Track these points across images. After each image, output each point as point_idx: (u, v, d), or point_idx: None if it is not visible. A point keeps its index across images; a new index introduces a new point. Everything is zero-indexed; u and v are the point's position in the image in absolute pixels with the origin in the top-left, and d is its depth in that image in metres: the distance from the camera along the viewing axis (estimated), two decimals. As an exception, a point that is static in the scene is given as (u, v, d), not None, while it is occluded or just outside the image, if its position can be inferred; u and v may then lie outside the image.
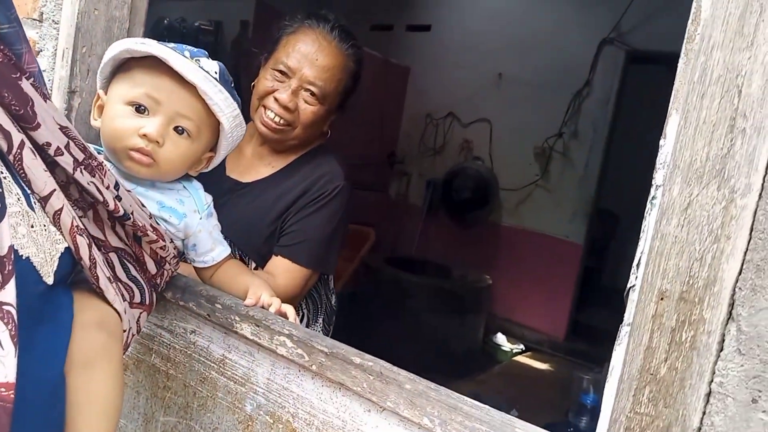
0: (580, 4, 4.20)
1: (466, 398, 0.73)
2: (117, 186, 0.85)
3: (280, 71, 1.29)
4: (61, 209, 0.73)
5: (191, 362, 1.04)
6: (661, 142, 0.61)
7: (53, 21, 1.17)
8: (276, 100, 1.28)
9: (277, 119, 1.29)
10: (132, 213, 0.87)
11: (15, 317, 0.57)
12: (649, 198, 0.61)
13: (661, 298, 0.51)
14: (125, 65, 0.93)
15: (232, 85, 0.98)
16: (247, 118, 1.13)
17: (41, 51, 1.19)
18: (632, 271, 0.62)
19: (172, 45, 0.92)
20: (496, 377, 3.70)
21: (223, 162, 1.35)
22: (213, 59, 0.96)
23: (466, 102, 4.72)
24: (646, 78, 4.62)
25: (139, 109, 0.90)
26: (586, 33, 4.15)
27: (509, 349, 4.11)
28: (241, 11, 4.03)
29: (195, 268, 1.08)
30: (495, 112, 4.55)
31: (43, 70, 1.17)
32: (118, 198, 0.84)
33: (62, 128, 0.74)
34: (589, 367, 3.99)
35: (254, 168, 1.40)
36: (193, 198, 1.02)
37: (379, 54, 4.86)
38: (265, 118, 1.30)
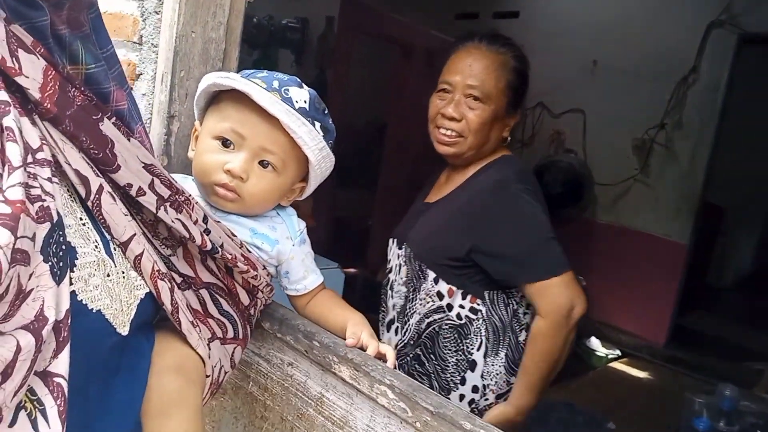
0: (689, -16, 3.87)
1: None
2: (206, 219, 0.83)
3: (443, 90, 1.38)
4: (141, 254, 0.71)
5: (288, 396, 1.02)
6: None
7: (152, 44, 1.18)
8: (443, 115, 1.36)
9: (448, 132, 1.36)
10: (221, 245, 0.85)
11: (65, 390, 0.54)
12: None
13: None
14: (217, 97, 0.93)
15: (325, 112, 0.95)
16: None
17: (141, 74, 1.20)
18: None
19: (261, 74, 0.90)
20: (590, 385, 3.52)
21: (428, 190, 1.55)
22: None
23: (557, 91, 4.47)
24: (760, 62, 4.20)
25: (226, 143, 0.89)
26: (691, 15, 3.81)
27: (604, 355, 3.90)
28: (326, 7, 4.03)
29: (289, 297, 1.06)
30: (589, 101, 4.29)
31: (143, 94, 1.18)
32: (206, 231, 0.82)
33: (146, 166, 0.72)
34: (691, 377, 3.72)
35: (442, 190, 1.48)
36: (285, 224, 1.00)
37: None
38: (439, 136, 1.38)
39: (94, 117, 0.66)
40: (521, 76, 1.39)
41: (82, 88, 0.66)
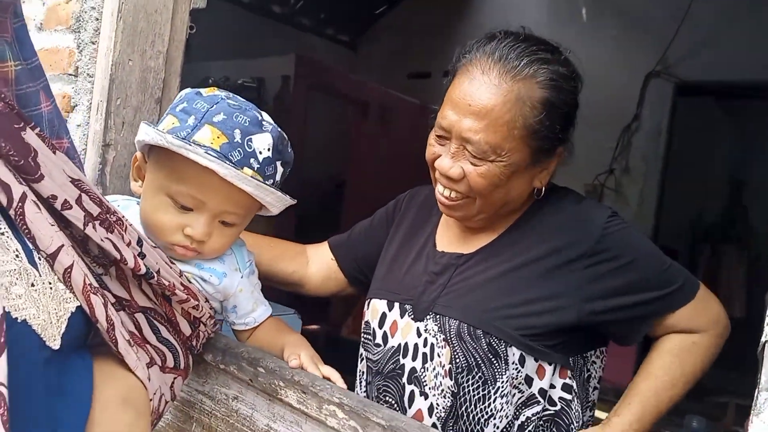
0: (623, 38, 4.11)
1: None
2: (140, 242, 0.78)
3: (438, 135, 0.98)
4: (71, 266, 0.67)
5: (233, 433, 0.94)
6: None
7: (88, 75, 1.15)
8: (439, 171, 0.98)
9: (447, 192, 0.99)
10: (158, 271, 0.79)
11: (6, 397, 0.50)
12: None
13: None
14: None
15: (286, 143, 0.91)
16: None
17: (76, 106, 1.16)
18: (766, 322, 0.50)
19: (219, 119, 0.83)
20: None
21: (429, 237, 1.13)
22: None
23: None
24: (695, 109, 4.45)
25: (183, 207, 0.84)
26: (631, 67, 4.03)
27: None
28: (281, 67, 4.10)
29: (234, 331, 1.00)
30: (540, 151, 4.41)
31: (78, 125, 1.14)
32: (141, 255, 0.78)
33: (74, 181, 0.69)
34: (666, 419, 3.67)
35: (471, 233, 1.08)
36: (234, 255, 0.95)
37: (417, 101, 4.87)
38: (437, 194, 1.01)
39: (16, 126, 0.63)
40: (557, 107, 0.94)
41: (3, 96, 0.64)
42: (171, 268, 0.84)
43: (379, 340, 1.08)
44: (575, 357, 1.01)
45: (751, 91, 4.14)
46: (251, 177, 0.82)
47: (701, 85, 4.02)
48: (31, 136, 0.64)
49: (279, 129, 0.89)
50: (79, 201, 0.69)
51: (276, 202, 0.87)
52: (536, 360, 0.97)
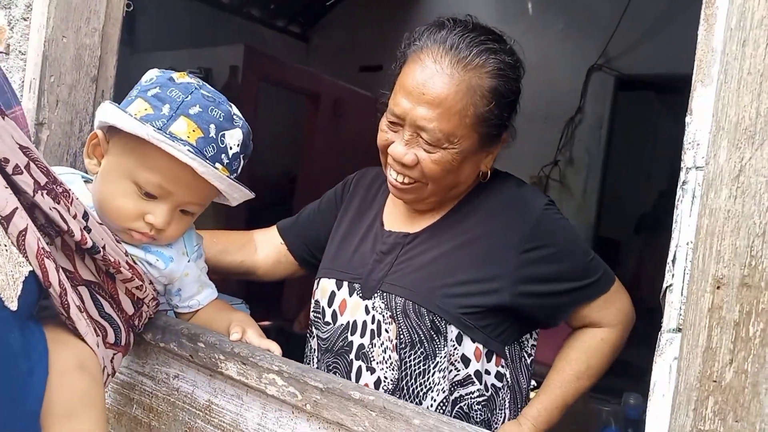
0: (568, 33, 4.23)
1: (482, 430, 0.63)
2: (86, 216, 0.78)
3: (391, 121, 1.01)
4: (25, 229, 0.66)
5: (175, 411, 0.94)
6: (687, 119, 0.54)
7: (20, 52, 1.12)
8: (392, 157, 1.01)
9: (399, 178, 1.01)
10: (104, 247, 0.79)
11: None
12: (679, 183, 0.53)
13: (718, 287, 0.43)
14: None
15: (251, 137, 0.92)
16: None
17: (8, 84, 1.12)
18: (667, 268, 0.54)
19: (195, 111, 0.83)
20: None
21: (377, 216, 1.16)
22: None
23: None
24: (635, 102, 4.63)
25: (148, 194, 0.84)
26: (573, 61, 4.16)
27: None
28: (230, 57, 4.04)
29: (176, 314, 1.00)
30: (488, 143, 4.50)
31: (10, 104, 1.11)
32: (87, 229, 0.77)
33: (22, 148, 0.68)
34: (605, 400, 3.81)
35: (417, 214, 1.11)
36: (183, 239, 0.95)
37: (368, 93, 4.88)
38: (390, 179, 1.04)
39: None
40: (504, 95, 0.99)
41: None
42: (117, 246, 0.84)
43: (328, 318, 1.10)
44: (511, 346, 1.06)
45: (689, 85, 4.33)
46: (224, 174, 0.84)
47: (641, 79, 4.19)
48: None
49: (246, 123, 0.90)
50: (28, 168, 0.69)
51: (240, 196, 0.90)
52: (473, 341, 1.00)
